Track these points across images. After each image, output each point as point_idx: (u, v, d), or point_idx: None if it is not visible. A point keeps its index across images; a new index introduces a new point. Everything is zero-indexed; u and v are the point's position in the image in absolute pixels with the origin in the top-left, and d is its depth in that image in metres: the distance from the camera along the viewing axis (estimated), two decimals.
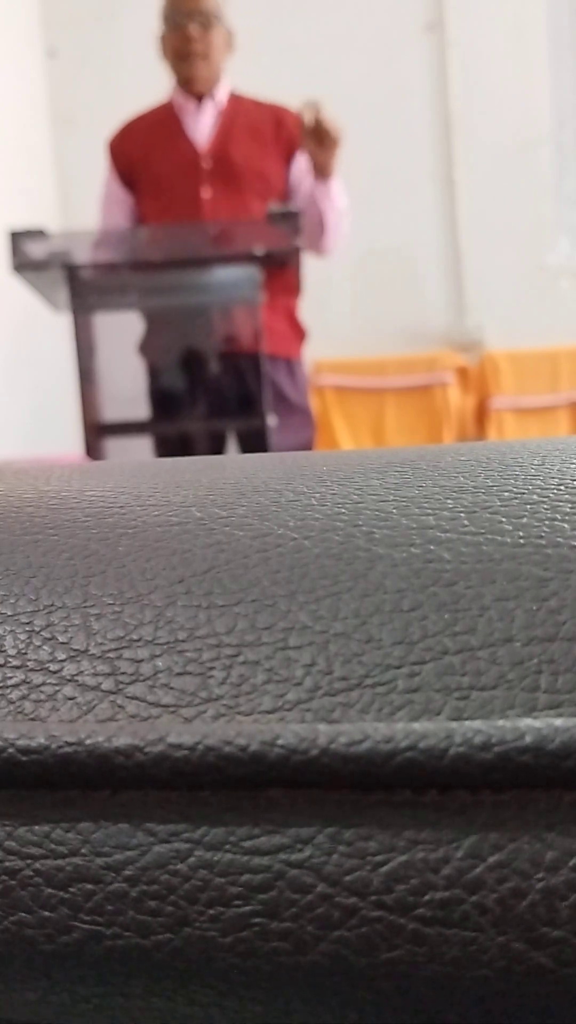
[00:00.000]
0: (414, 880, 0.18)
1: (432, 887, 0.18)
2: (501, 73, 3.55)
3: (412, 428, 3.45)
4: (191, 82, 2.49)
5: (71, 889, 0.19)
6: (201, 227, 2.45)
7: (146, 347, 2.56)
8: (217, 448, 2.56)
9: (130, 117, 2.60)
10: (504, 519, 0.22)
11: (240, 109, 2.53)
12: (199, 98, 2.52)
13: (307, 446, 2.57)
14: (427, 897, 0.18)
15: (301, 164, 2.51)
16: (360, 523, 0.23)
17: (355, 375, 3.50)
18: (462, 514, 0.22)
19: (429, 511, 0.23)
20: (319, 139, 2.34)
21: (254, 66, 3.38)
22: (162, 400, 2.54)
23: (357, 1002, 0.18)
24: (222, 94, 2.53)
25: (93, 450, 2.43)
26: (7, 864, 0.19)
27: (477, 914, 0.18)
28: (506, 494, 0.23)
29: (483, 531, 0.22)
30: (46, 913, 0.19)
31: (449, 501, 0.23)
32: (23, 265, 2.33)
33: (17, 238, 2.32)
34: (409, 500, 0.24)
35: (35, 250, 2.33)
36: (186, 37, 2.44)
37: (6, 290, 2.60)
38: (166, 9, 2.49)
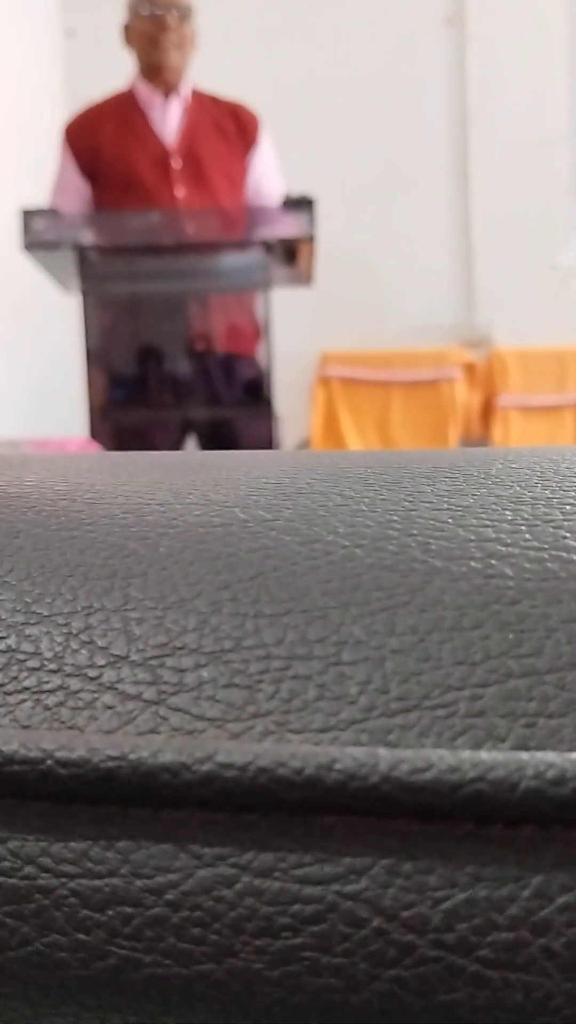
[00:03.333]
0: (477, 919, 0.17)
1: (496, 927, 0.17)
2: (520, 70, 3.54)
3: (417, 423, 3.44)
4: (161, 70, 2.46)
5: (108, 912, 0.18)
6: (214, 212, 2.43)
7: (118, 334, 2.54)
8: (180, 439, 2.55)
9: (88, 104, 2.57)
10: (568, 534, 0.21)
11: (203, 106, 2.51)
12: (166, 92, 2.49)
13: (268, 443, 2.54)
14: (490, 938, 0.17)
15: (258, 165, 2.51)
16: (415, 532, 0.22)
17: (362, 367, 3.48)
18: (523, 527, 0.21)
19: (488, 523, 0.22)
20: None
21: (273, 58, 3.36)
22: (157, 385, 2.53)
23: None
24: (186, 90, 2.51)
25: (97, 432, 2.42)
26: (41, 882, 0.18)
27: (544, 958, 0.17)
28: (568, 507, 0.22)
29: (547, 546, 0.21)
30: (81, 936, 0.18)
31: (508, 512, 0.22)
32: (34, 244, 2.32)
33: (29, 216, 2.30)
34: (465, 510, 0.22)
35: (47, 229, 2.32)
36: (163, 26, 2.42)
37: (13, 270, 2.59)
38: None
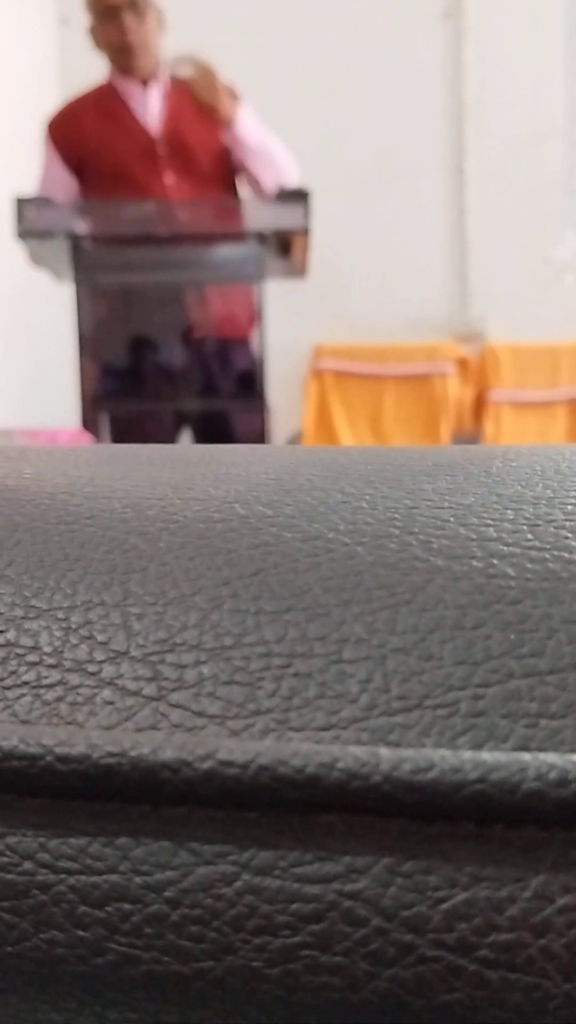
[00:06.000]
0: (477, 919, 0.17)
1: (496, 928, 0.17)
2: (516, 64, 3.53)
3: (410, 417, 3.43)
4: (133, 72, 2.45)
5: (107, 908, 0.18)
6: (209, 202, 2.43)
7: (112, 324, 2.53)
8: (173, 430, 2.55)
9: (68, 99, 2.55)
10: (570, 534, 0.21)
11: (183, 90, 2.49)
12: (144, 82, 2.47)
13: (261, 435, 2.53)
14: (490, 938, 0.17)
15: (239, 129, 2.48)
16: (416, 530, 0.21)
17: (355, 361, 3.48)
18: (524, 527, 0.21)
19: (489, 522, 0.22)
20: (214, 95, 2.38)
21: (268, 49, 3.35)
22: (150, 376, 2.52)
23: None
24: (164, 76, 2.50)
25: (89, 423, 2.42)
26: (40, 878, 0.18)
27: (543, 959, 0.17)
28: (569, 507, 0.22)
29: (548, 546, 0.21)
30: (80, 932, 0.18)
31: (509, 512, 0.22)
32: (27, 232, 2.31)
33: (23, 205, 2.30)
34: (466, 508, 0.22)
35: (40, 218, 2.31)
36: (122, 29, 2.40)
37: (5, 258, 2.58)
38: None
